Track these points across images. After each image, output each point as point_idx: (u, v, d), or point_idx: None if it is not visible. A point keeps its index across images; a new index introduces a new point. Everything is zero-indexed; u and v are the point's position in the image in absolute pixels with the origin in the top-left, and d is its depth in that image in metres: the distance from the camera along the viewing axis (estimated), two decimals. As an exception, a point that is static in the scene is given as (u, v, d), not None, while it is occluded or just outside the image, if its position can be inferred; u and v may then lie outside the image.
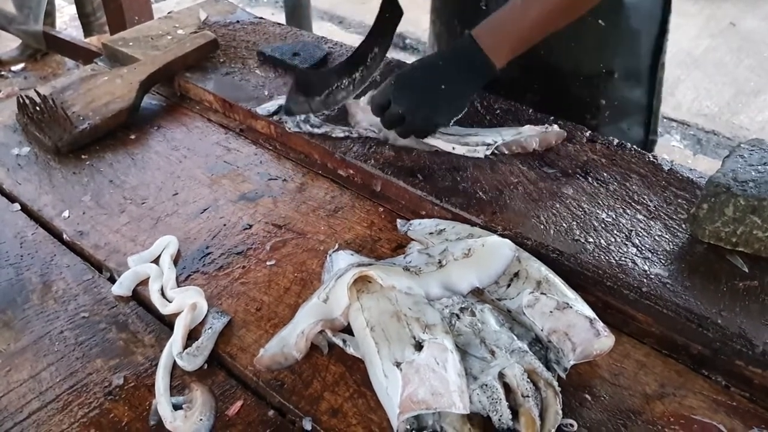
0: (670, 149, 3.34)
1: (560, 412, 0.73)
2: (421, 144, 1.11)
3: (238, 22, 1.51)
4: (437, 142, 1.10)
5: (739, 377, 0.81)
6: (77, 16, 3.56)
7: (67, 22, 4.13)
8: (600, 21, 1.20)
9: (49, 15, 3.40)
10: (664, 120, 3.53)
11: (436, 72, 1.05)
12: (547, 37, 1.05)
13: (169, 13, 1.57)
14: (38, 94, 1.18)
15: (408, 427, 0.73)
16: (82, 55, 2.81)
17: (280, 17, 3.76)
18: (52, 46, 3.11)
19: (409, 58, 3.63)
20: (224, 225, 1.01)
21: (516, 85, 1.26)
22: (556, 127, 1.12)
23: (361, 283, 0.84)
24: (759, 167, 0.92)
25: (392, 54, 1.34)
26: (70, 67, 3.44)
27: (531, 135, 1.10)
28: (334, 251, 0.95)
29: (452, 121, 1.10)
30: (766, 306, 0.84)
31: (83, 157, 1.15)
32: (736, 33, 4.30)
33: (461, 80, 1.06)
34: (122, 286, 0.91)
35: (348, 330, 0.83)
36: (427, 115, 1.07)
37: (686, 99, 3.67)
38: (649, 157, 1.09)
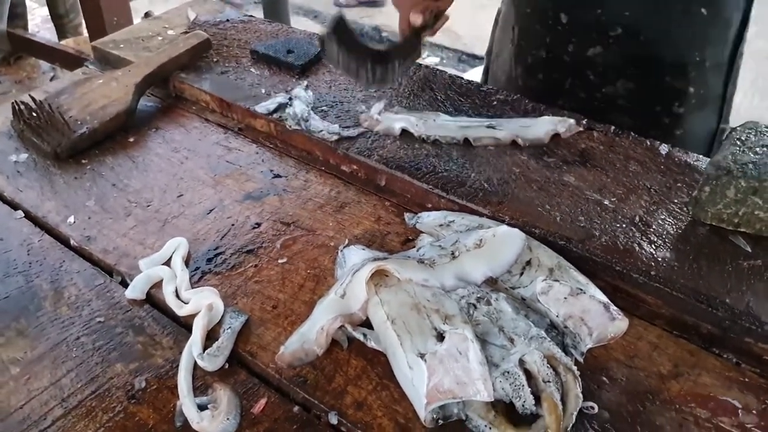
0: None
1: (581, 395, 0.75)
2: (450, 131, 1.14)
3: (228, 20, 1.50)
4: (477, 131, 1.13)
5: (750, 354, 0.83)
6: (50, 18, 3.51)
7: (39, 25, 4.05)
8: (703, 10, 1.20)
9: (21, 17, 3.34)
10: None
11: None
12: (650, 23, 1.06)
13: (146, 13, 1.56)
14: (33, 99, 1.17)
15: (434, 416, 0.74)
16: (58, 57, 2.77)
17: (256, 13, 3.74)
18: (25, 49, 3.06)
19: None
20: (232, 225, 1.01)
21: (610, 70, 1.27)
22: (572, 121, 1.14)
23: (378, 277, 0.85)
24: (757, 149, 0.94)
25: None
26: (45, 71, 3.39)
27: (551, 128, 1.12)
28: (345, 247, 0.95)
29: None
30: (770, 284, 0.87)
31: (83, 161, 1.15)
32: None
33: None
34: (135, 290, 0.91)
35: (366, 324, 0.84)
36: None
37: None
38: (646, 144, 1.11)
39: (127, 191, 1.09)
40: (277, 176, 1.11)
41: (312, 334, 0.82)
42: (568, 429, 0.73)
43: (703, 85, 1.28)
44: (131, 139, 1.20)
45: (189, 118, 1.26)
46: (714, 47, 1.25)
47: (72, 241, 1.00)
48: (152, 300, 0.91)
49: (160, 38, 1.43)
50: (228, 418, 0.76)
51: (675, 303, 0.87)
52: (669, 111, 1.20)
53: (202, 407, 0.78)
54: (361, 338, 0.82)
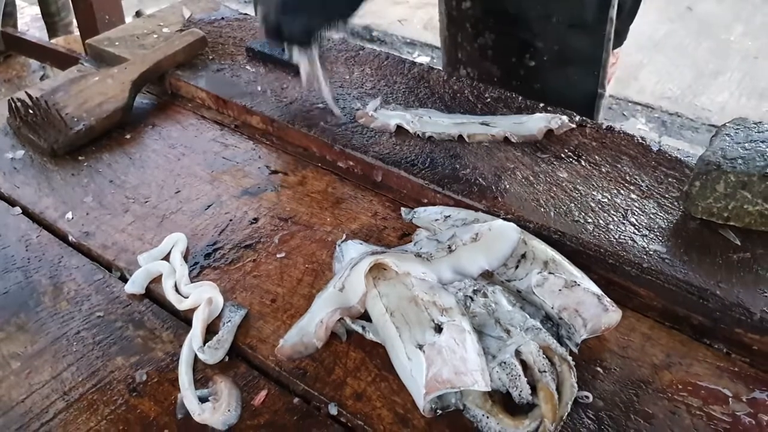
0: (636, 132, 3.42)
1: (576, 385, 0.77)
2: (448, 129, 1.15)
3: (222, 18, 1.51)
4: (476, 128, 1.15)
5: (739, 344, 0.85)
6: (40, 16, 3.49)
7: (28, 23, 4.03)
8: None
9: (11, 16, 3.33)
10: (629, 104, 3.61)
11: None
12: None
13: (137, 12, 1.56)
14: (30, 96, 1.17)
15: (432, 406, 0.76)
16: (49, 56, 2.76)
17: (247, 11, 3.73)
18: (16, 48, 3.05)
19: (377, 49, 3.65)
20: (230, 220, 1.02)
21: (479, 22, 1.36)
22: (565, 118, 1.16)
23: (376, 270, 0.86)
24: (745, 144, 0.96)
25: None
26: (35, 69, 3.37)
27: (543, 125, 1.13)
28: (342, 241, 0.96)
29: (333, 24, 1.09)
30: (760, 276, 0.88)
31: (80, 158, 1.15)
32: (694, 17, 4.41)
33: None
34: (135, 285, 0.92)
35: (365, 317, 0.85)
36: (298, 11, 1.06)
37: (649, 82, 3.75)
38: (637, 139, 1.13)
39: (125, 187, 1.09)
40: (274, 172, 1.12)
41: (311, 327, 0.83)
42: (564, 418, 0.75)
43: (555, 41, 1.32)
44: (128, 136, 1.21)
45: (185, 115, 1.27)
46: (561, 5, 1.30)
47: (70, 237, 1.00)
48: (151, 295, 0.92)
49: (155, 36, 1.43)
50: (229, 410, 0.77)
51: (667, 295, 0.89)
52: (521, 62, 1.30)
53: (203, 399, 0.79)
54: (360, 331, 0.83)
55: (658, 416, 0.77)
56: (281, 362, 0.83)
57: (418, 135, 1.14)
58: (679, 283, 0.88)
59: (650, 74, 3.80)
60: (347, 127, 1.16)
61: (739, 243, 0.93)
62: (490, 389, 0.75)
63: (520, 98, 1.24)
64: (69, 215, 1.03)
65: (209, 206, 1.05)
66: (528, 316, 0.82)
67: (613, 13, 1.34)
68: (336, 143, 1.12)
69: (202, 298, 0.88)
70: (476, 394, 0.76)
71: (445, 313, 0.81)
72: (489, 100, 1.24)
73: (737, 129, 1.00)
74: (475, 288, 0.86)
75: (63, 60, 2.53)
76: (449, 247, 0.89)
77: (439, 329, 0.78)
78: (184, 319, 0.88)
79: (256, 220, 1.02)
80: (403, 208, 1.03)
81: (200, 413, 0.77)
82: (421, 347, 0.76)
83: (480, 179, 1.05)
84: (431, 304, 0.82)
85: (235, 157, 1.15)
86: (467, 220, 0.96)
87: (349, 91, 1.26)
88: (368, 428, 0.76)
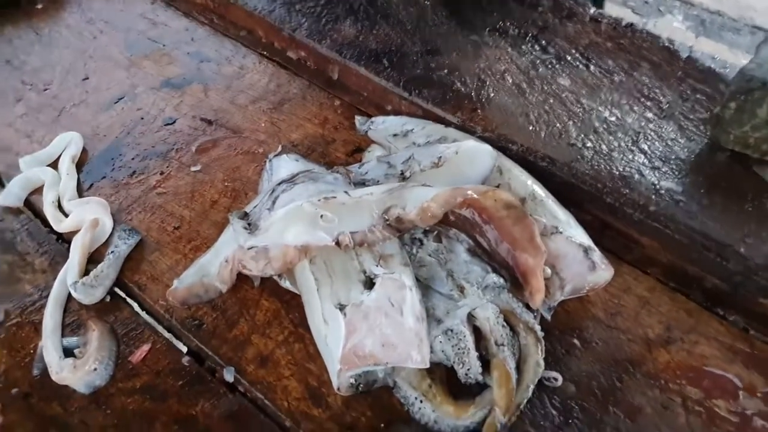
0: (672, 30, 3.09)
1: (542, 362, 0.60)
2: None
3: None
4: None
5: (762, 318, 0.67)
6: None
7: None
8: None
9: None
10: (667, -1, 3.27)
11: None
12: None
13: None
14: None
15: (353, 381, 0.59)
16: None
17: None
18: None
19: None
20: (141, 118, 0.83)
21: None
22: None
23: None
24: (804, 57, 0.73)
25: None
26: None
27: None
28: (275, 155, 0.77)
29: None
30: (800, 232, 0.68)
31: (-25, 31, 0.95)
32: None
33: None
34: (11, 195, 0.74)
35: (285, 256, 0.67)
36: None
37: (692, -24, 3.39)
38: (663, 42, 0.90)
39: (23, 70, 0.89)
40: (207, 60, 0.91)
41: (214, 266, 0.66)
42: (522, 406, 0.58)
43: None
44: (39, 6, 1.00)
45: (114, -18, 1.05)
46: None
47: (-57, 130, 0.82)
48: (33, 209, 0.75)
49: None
50: (95, 368, 0.61)
51: (676, 248, 0.70)
52: None
53: (69, 351, 0.62)
54: (275, 276, 0.65)
55: (645, 411, 0.60)
56: (173, 308, 0.65)
57: None
58: (694, 234, 0.68)
59: (694, -34, 3.42)
60: (303, 5, 0.93)
61: (777, 186, 0.73)
62: (428, 366, 0.58)
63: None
64: (-54, 101, 0.84)
65: (120, 99, 0.85)
66: (489, 270, 0.63)
67: None
68: (285, 27, 0.90)
69: (85, 219, 0.70)
70: (411, 370, 0.60)
71: (382, 261, 0.62)
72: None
73: (795, 35, 0.77)
74: (428, 228, 0.66)
75: None
76: (402, 174, 0.70)
77: (370, 284, 0.60)
78: (68, 243, 0.71)
79: (173, 120, 0.83)
80: (357, 117, 0.83)
81: (58, 371, 0.61)
82: (342, 308, 0.58)
83: (458, 83, 0.83)
84: (365, 250, 0.63)
85: (162, 38, 0.94)
86: (432, 137, 0.76)
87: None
88: (269, 403, 0.60)
